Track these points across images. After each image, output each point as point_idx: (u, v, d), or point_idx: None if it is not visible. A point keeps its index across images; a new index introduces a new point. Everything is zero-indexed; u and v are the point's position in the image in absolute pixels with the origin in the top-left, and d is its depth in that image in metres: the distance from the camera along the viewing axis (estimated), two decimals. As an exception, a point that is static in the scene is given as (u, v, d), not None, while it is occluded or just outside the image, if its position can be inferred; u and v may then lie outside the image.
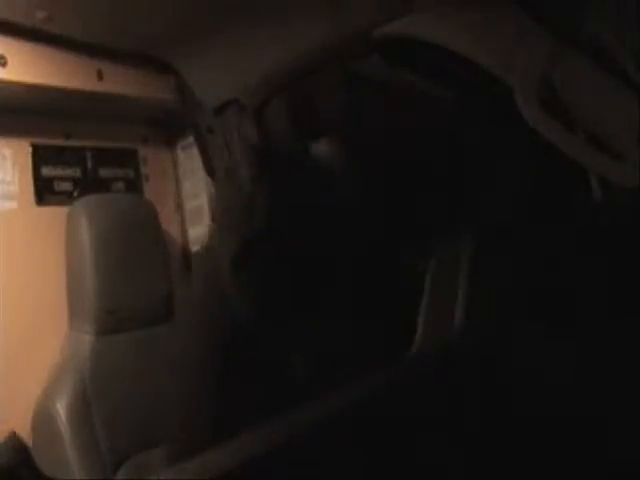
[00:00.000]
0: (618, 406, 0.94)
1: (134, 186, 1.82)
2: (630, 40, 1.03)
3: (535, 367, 0.97)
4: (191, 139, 1.81)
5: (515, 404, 0.94)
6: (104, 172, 1.74)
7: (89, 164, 1.71)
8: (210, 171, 1.76)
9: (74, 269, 1.54)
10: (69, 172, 1.66)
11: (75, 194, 1.66)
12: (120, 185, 1.79)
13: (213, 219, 1.73)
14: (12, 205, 1.52)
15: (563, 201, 1.44)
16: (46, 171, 1.60)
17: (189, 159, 1.89)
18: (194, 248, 1.90)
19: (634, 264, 1.03)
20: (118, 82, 1.54)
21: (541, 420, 0.92)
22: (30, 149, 1.57)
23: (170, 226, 1.86)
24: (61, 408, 1.41)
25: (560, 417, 0.93)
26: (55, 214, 1.57)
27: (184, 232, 1.92)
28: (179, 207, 1.92)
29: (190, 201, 1.92)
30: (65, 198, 1.62)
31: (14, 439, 1.29)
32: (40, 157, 1.59)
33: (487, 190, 1.67)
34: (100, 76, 1.51)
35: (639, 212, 1.07)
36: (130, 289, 1.55)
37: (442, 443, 0.83)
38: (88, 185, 1.69)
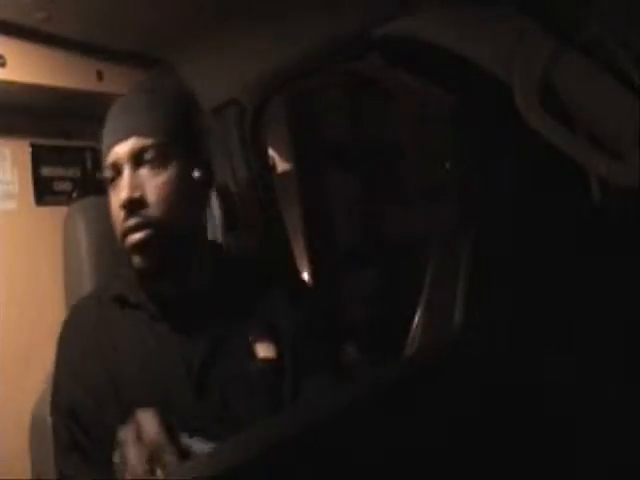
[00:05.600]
0: (619, 407, 0.94)
1: (134, 186, 1.81)
2: (630, 40, 1.03)
3: (535, 367, 0.97)
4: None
5: (515, 404, 0.94)
6: (104, 172, 1.74)
7: (89, 164, 1.70)
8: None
9: (71, 271, 1.54)
10: (69, 172, 1.66)
11: (74, 194, 1.65)
12: (120, 185, 1.78)
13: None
14: (11, 205, 1.52)
15: (563, 201, 1.44)
16: (45, 171, 1.60)
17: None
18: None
19: (635, 264, 1.03)
20: (118, 82, 1.53)
21: (542, 420, 0.92)
22: (30, 149, 1.57)
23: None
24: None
25: (561, 418, 0.93)
26: (54, 214, 1.57)
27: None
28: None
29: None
30: (64, 198, 1.62)
31: None
32: (40, 157, 1.59)
33: (487, 190, 1.67)
34: (100, 76, 1.51)
35: (639, 212, 1.08)
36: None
37: (442, 443, 0.83)
38: (87, 185, 1.69)
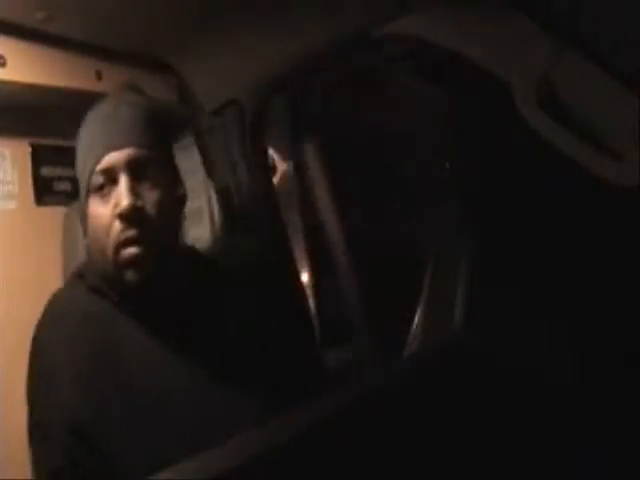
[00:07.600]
0: (617, 405, 0.94)
1: (133, 186, 1.81)
2: (630, 40, 1.03)
3: (535, 366, 0.97)
4: (191, 139, 1.81)
5: (515, 403, 0.94)
6: (103, 172, 1.74)
7: (89, 164, 1.71)
8: (210, 171, 1.76)
9: (71, 271, 1.54)
10: (68, 172, 1.65)
11: (74, 194, 1.65)
12: (119, 185, 1.78)
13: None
14: (11, 205, 1.52)
15: (562, 201, 1.44)
16: (45, 171, 1.60)
17: (189, 159, 1.88)
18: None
19: (634, 263, 1.03)
20: (118, 82, 1.53)
21: (541, 419, 0.92)
22: (29, 149, 1.57)
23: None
24: (60, 408, 1.40)
25: (559, 416, 0.93)
26: (54, 214, 1.56)
27: (184, 232, 1.92)
28: (179, 207, 1.92)
29: (190, 201, 1.91)
30: (64, 198, 1.61)
31: None
32: (39, 157, 1.58)
33: (487, 190, 1.67)
34: (99, 76, 1.51)
35: (638, 212, 1.08)
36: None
37: (442, 442, 0.83)
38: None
